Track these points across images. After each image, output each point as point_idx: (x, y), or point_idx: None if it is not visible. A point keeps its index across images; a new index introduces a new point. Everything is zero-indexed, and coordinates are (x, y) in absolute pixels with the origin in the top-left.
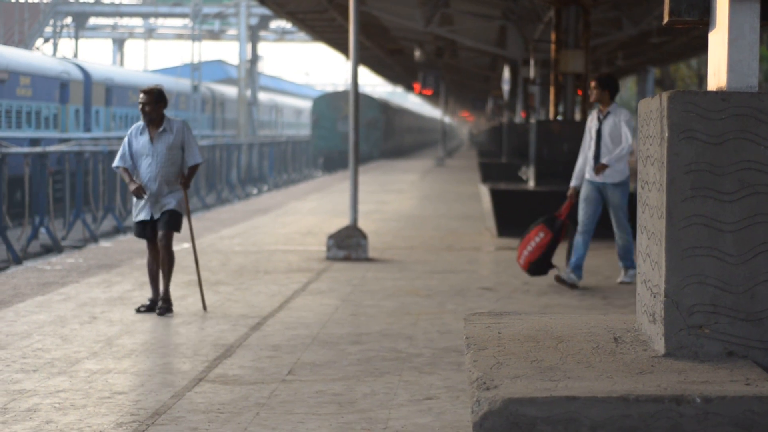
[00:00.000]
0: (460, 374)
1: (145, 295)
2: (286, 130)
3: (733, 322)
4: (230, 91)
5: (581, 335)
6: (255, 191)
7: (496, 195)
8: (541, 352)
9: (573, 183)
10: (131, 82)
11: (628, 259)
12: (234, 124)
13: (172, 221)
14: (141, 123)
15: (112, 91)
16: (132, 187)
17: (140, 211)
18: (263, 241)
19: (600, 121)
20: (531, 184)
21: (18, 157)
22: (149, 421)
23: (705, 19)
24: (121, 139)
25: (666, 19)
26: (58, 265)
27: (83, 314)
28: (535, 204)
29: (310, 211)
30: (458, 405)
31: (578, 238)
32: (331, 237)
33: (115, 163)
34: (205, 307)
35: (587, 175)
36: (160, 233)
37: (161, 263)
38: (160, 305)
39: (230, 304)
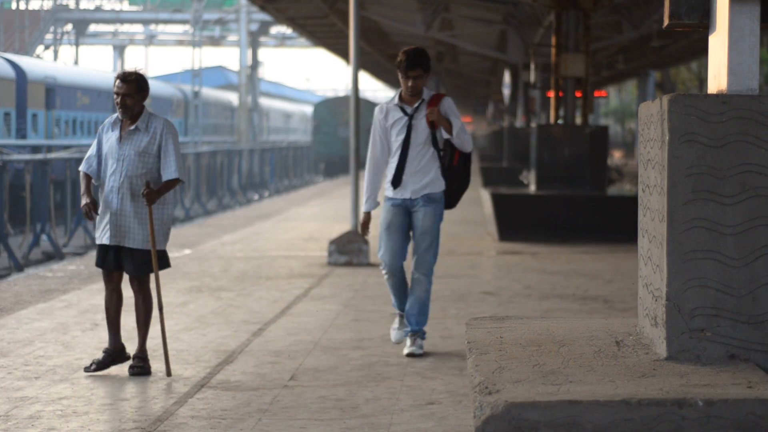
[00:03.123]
0: (462, 379)
1: None
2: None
3: (735, 325)
4: (205, 92)
5: (583, 339)
6: (256, 197)
7: (497, 199)
8: (543, 356)
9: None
10: (79, 82)
11: (423, 317)
12: (214, 129)
13: (141, 264)
14: (116, 115)
15: (55, 91)
16: (81, 202)
17: (103, 232)
18: (265, 247)
19: (410, 115)
20: (532, 188)
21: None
22: (151, 427)
23: (705, 22)
24: (66, 148)
25: (666, 22)
26: (59, 272)
27: (85, 321)
28: (536, 208)
29: (311, 216)
30: (460, 410)
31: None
32: (333, 242)
33: (81, 165)
34: (169, 372)
35: (390, 192)
36: (129, 277)
37: (136, 310)
38: (134, 363)
39: (232, 310)
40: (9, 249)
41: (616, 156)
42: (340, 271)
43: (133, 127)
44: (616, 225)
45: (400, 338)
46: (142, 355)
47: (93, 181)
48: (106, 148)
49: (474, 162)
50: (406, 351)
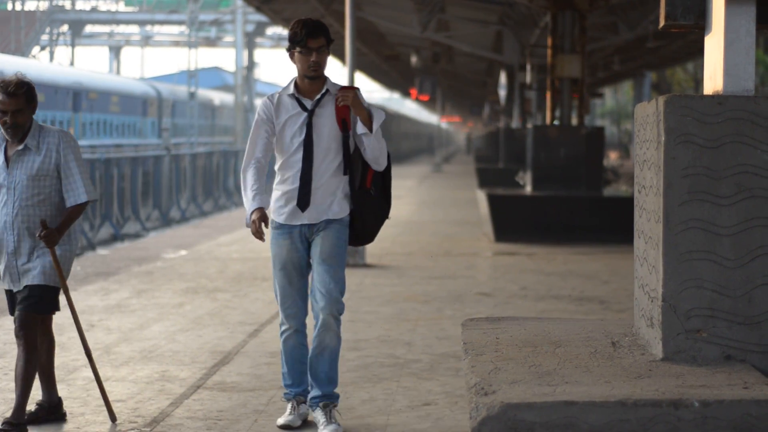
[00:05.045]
0: (459, 380)
1: (143, 302)
2: None
3: (731, 325)
4: (182, 91)
5: (579, 340)
6: None
7: (493, 200)
8: (539, 357)
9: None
10: None
11: (335, 373)
12: (190, 131)
13: (36, 300)
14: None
15: None
16: None
17: (4, 276)
18: (261, 248)
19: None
20: (528, 189)
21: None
22: (147, 428)
23: (701, 23)
24: None
25: (662, 23)
26: None
27: (81, 322)
28: (533, 209)
29: None
30: (456, 411)
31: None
32: None
33: None
34: (113, 418)
35: (281, 217)
36: (16, 315)
37: (17, 362)
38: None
39: (228, 311)
40: None
41: (612, 157)
42: None
43: (21, 147)
44: (612, 226)
45: (301, 417)
46: (14, 420)
47: None
48: None
49: (471, 163)
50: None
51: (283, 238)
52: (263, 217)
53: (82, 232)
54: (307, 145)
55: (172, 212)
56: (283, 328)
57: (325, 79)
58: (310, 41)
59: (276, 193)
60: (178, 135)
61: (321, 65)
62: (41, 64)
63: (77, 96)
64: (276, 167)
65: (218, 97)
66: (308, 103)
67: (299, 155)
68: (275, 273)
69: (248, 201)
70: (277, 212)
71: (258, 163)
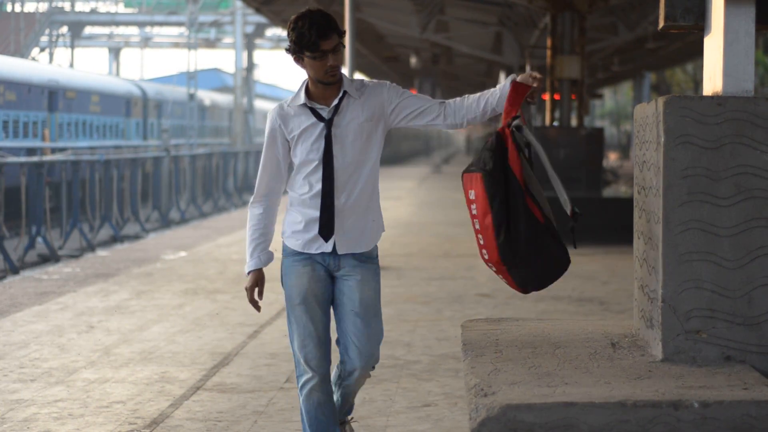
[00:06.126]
0: (458, 381)
1: (143, 303)
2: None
3: (731, 326)
4: (169, 90)
5: (579, 341)
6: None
7: None
8: (539, 358)
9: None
10: None
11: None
12: (181, 131)
13: None
14: None
15: None
16: None
17: None
18: None
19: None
20: None
21: (14, 166)
22: (147, 430)
23: (700, 24)
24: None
25: (661, 24)
26: (55, 274)
27: (81, 323)
28: None
29: None
30: (456, 411)
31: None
32: None
33: None
34: None
35: (298, 244)
36: None
37: None
38: None
39: (227, 312)
40: (5, 251)
41: (612, 158)
42: None
43: None
44: (611, 227)
45: None
46: None
47: None
48: None
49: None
50: None
51: (302, 265)
52: (259, 283)
53: (81, 233)
54: (328, 163)
55: (172, 213)
56: (304, 379)
57: (341, 78)
58: (324, 43)
59: (294, 216)
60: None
61: (339, 67)
62: (12, 61)
63: (53, 95)
64: (292, 185)
65: (209, 97)
66: (324, 111)
67: (319, 174)
68: (291, 310)
69: (247, 254)
70: (292, 238)
71: (265, 203)
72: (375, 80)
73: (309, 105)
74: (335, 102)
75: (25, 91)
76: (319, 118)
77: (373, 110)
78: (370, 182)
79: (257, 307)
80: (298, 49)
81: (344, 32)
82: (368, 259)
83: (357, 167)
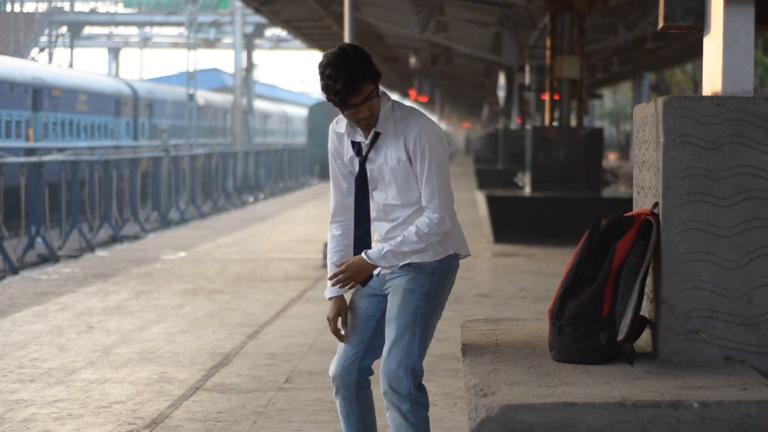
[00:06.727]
0: (458, 381)
1: (143, 303)
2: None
3: (730, 327)
4: (162, 89)
5: None
6: (251, 199)
7: (492, 201)
8: (538, 358)
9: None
10: None
11: None
12: (172, 131)
13: None
14: None
15: None
16: None
17: None
18: (260, 249)
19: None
20: (527, 190)
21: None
22: (146, 430)
23: (700, 24)
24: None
25: (661, 24)
26: (54, 274)
27: (80, 324)
28: (531, 210)
29: (306, 218)
30: (456, 412)
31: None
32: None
33: None
34: None
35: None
36: None
37: None
38: None
39: (227, 312)
40: (4, 251)
41: (611, 158)
42: None
43: None
44: None
45: None
46: None
47: None
48: None
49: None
50: None
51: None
52: (342, 312)
53: (81, 233)
54: (360, 189)
55: (171, 214)
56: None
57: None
58: (353, 99)
59: (337, 230)
60: (158, 137)
61: (374, 116)
62: None
63: (37, 93)
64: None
65: (203, 97)
66: (362, 139)
67: (355, 199)
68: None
69: (328, 279)
70: (340, 252)
71: (342, 222)
72: (414, 109)
73: (351, 128)
74: (370, 138)
75: (7, 89)
76: (357, 151)
77: (406, 151)
78: (417, 210)
79: (341, 338)
80: (326, 97)
81: (380, 75)
82: (417, 270)
83: (395, 209)
